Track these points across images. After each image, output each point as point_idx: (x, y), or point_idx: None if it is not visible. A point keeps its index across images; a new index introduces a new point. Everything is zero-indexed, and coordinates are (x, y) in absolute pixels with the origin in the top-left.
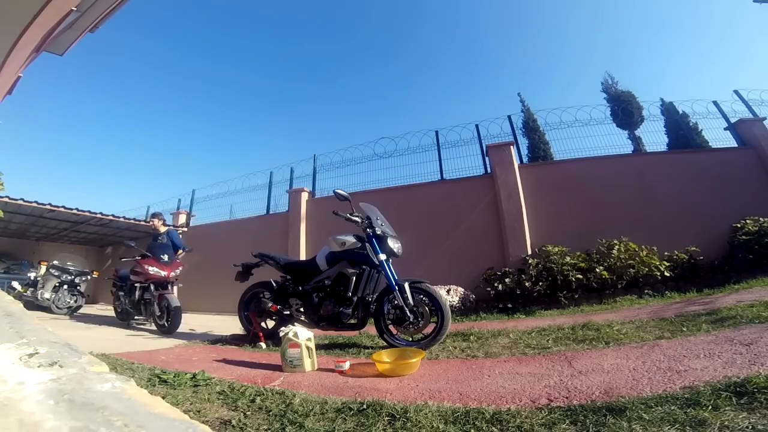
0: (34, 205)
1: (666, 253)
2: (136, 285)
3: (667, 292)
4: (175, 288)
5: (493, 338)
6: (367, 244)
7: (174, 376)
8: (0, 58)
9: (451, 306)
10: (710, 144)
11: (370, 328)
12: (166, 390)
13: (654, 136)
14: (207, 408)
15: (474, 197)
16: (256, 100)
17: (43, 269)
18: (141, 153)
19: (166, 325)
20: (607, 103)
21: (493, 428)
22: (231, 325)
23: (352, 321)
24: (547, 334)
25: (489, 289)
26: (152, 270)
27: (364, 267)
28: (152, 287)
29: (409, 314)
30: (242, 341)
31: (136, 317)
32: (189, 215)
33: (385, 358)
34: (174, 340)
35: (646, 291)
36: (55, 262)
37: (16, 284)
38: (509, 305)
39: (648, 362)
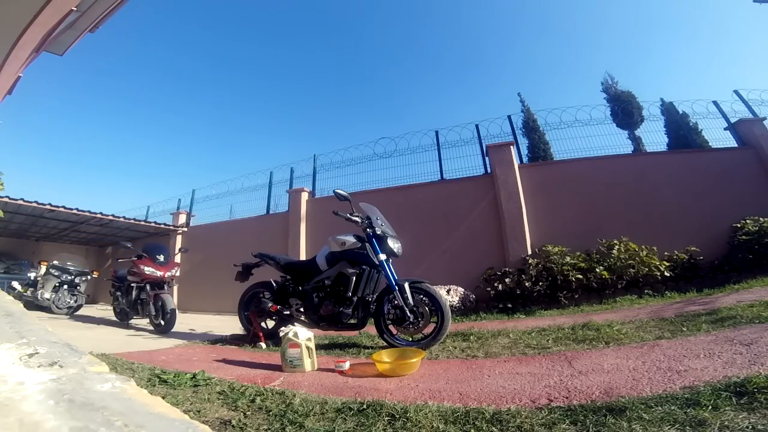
0: (34, 205)
1: (666, 253)
2: (132, 285)
3: (667, 292)
4: (174, 288)
5: (493, 338)
6: (367, 244)
7: (174, 376)
8: (0, 58)
9: (451, 306)
10: (710, 144)
11: (370, 328)
12: (166, 390)
13: (654, 136)
14: (207, 408)
15: (474, 197)
16: (256, 101)
17: (43, 269)
18: (141, 153)
19: (162, 323)
20: (607, 103)
21: (493, 428)
22: (231, 325)
23: (352, 321)
24: (547, 334)
25: (489, 289)
26: (148, 270)
27: (364, 267)
28: (148, 287)
29: (409, 314)
30: (242, 341)
31: (134, 317)
32: (189, 215)
33: (385, 358)
34: (174, 340)
35: (646, 291)
36: (55, 262)
37: (16, 284)
38: (509, 305)
39: (648, 362)
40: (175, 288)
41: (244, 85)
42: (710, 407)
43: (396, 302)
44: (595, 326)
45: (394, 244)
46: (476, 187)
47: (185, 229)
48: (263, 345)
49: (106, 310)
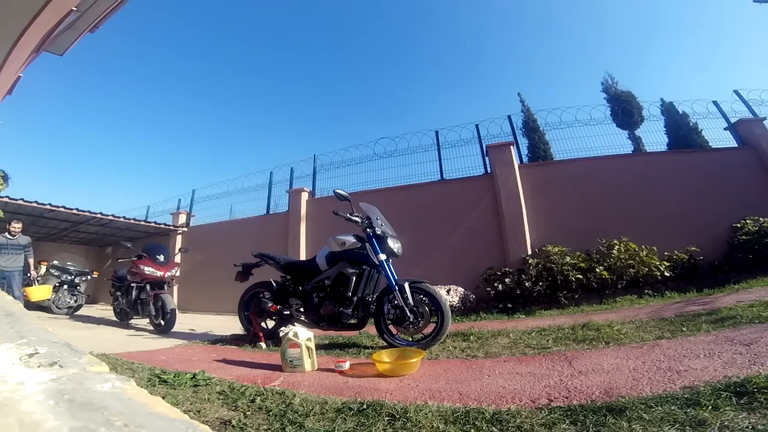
0: (34, 205)
1: (666, 253)
2: (132, 285)
3: (667, 292)
4: (174, 288)
5: (493, 338)
6: (367, 244)
7: (174, 376)
8: (0, 58)
9: (451, 306)
10: (710, 144)
11: (370, 328)
12: (166, 390)
13: (654, 136)
14: (207, 408)
15: (474, 197)
16: (256, 101)
17: (43, 269)
18: (141, 153)
19: (162, 323)
20: (607, 103)
21: (493, 428)
22: (231, 325)
23: (352, 321)
24: (547, 334)
25: (489, 289)
26: (148, 270)
27: (364, 267)
28: (148, 287)
29: (409, 314)
30: (242, 341)
31: (134, 317)
32: (189, 215)
33: (385, 358)
34: (174, 340)
35: (646, 291)
36: (55, 262)
37: None
38: (509, 305)
39: (648, 362)
40: (175, 288)
41: (244, 84)
42: (710, 407)
43: (396, 302)
44: (595, 326)
45: (394, 244)
46: (476, 187)
47: (185, 229)
48: (263, 345)
49: (106, 310)
